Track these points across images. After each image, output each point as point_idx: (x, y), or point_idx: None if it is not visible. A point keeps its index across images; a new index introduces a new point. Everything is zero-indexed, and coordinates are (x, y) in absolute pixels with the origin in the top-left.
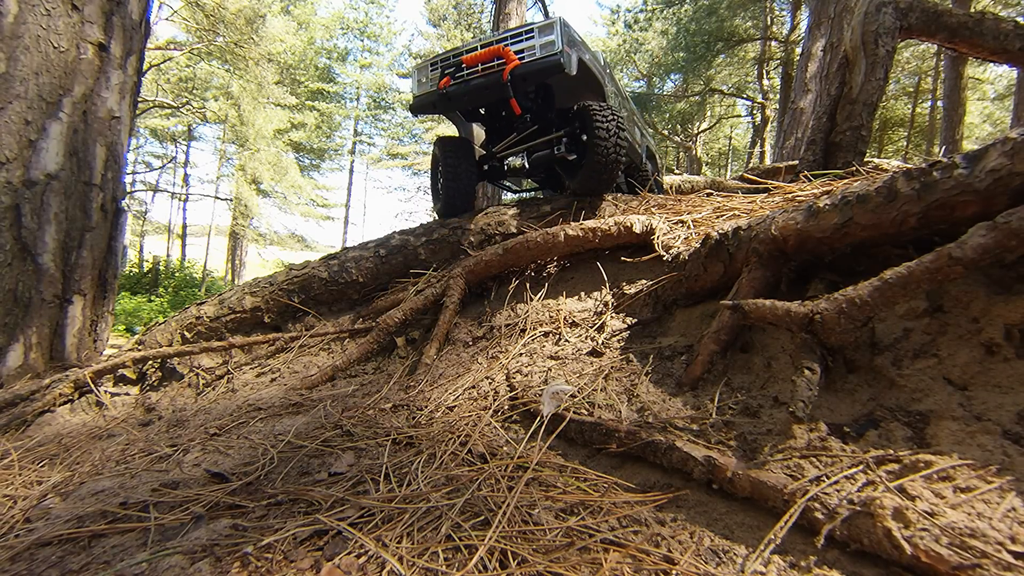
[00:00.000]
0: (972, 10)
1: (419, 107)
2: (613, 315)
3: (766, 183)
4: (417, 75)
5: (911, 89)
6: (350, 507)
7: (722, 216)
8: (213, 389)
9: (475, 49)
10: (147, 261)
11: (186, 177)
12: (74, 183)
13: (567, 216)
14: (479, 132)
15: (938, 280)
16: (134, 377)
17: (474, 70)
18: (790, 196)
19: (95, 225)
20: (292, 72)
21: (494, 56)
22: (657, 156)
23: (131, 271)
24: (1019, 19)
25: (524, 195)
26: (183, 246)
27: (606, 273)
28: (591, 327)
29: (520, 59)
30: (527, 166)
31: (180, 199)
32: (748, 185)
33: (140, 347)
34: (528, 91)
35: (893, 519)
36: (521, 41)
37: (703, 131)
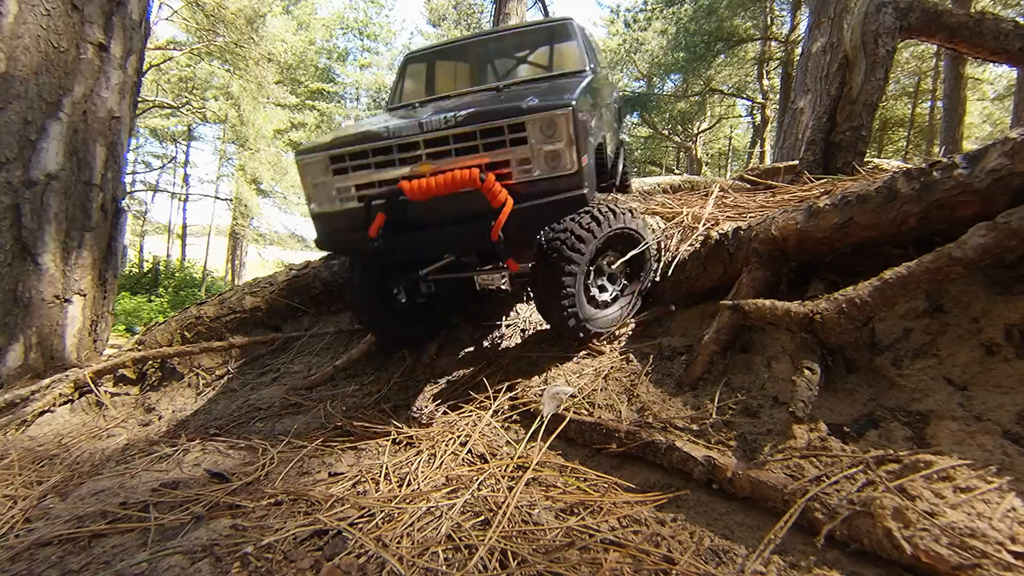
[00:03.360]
0: (972, 10)
1: (329, 245)
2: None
3: (766, 182)
4: (308, 173)
5: (911, 89)
6: (350, 507)
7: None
8: (213, 389)
9: (416, 148)
10: (147, 261)
11: (186, 177)
12: (74, 183)
13: None
14: None
15: (938, 280)
16: (134, 377)
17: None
18: (784, 197)
19: (95, 225)
20: (292, 72)
21: (461, 187)
22: (624, 151)
23: (131, 271)
24: (1019, 19)
25: None
26: (183, 246)
27: None
28: None
29: (513, 190)
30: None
31: (180, 199)
32: (737, 184)
33: (140, 347)
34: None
35: (893, 519)
36: (504, 144)
37: (703, 131)
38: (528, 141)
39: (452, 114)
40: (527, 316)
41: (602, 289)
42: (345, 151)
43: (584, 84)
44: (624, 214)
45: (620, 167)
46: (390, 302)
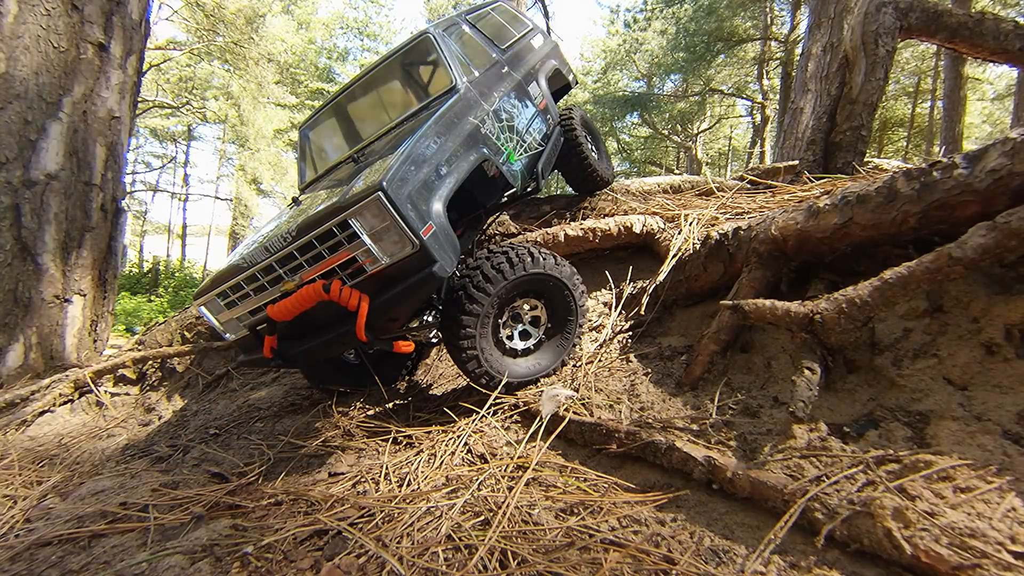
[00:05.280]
0: (972, 10)
1: (250, 364)
2: (613, 315)
3: (766, 182)
4: (210, 311)
5: (911, 89)
6: (350, 507)
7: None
8: (213, 389)
9: (274, 269)
10: (147, 261)
11: (186, 177)
12: (74, 183)
13: (567, 216)
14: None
15: (938, 280)
16: (134, 377)
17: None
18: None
19: (95, 225)
20: (292, 72)
21: (314, 302)
22: (585, 133)
23: (131, 271)
24: (1019, 19)
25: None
26: (183, 246)
27: (606, 273)
28: (591, 327)
29: (369, 284)
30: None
31: (180, 199)
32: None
33: (140, 347)
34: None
35: (893, 519)
36: (342, 244)
37: (703, 131)
38: (358, 236)
39: (288, 229)
40: None
41: (522, 336)
42: (225, 287)
43: (424, 129)
44: (546, 258)
45: (547, 162)
46: (339, 362)
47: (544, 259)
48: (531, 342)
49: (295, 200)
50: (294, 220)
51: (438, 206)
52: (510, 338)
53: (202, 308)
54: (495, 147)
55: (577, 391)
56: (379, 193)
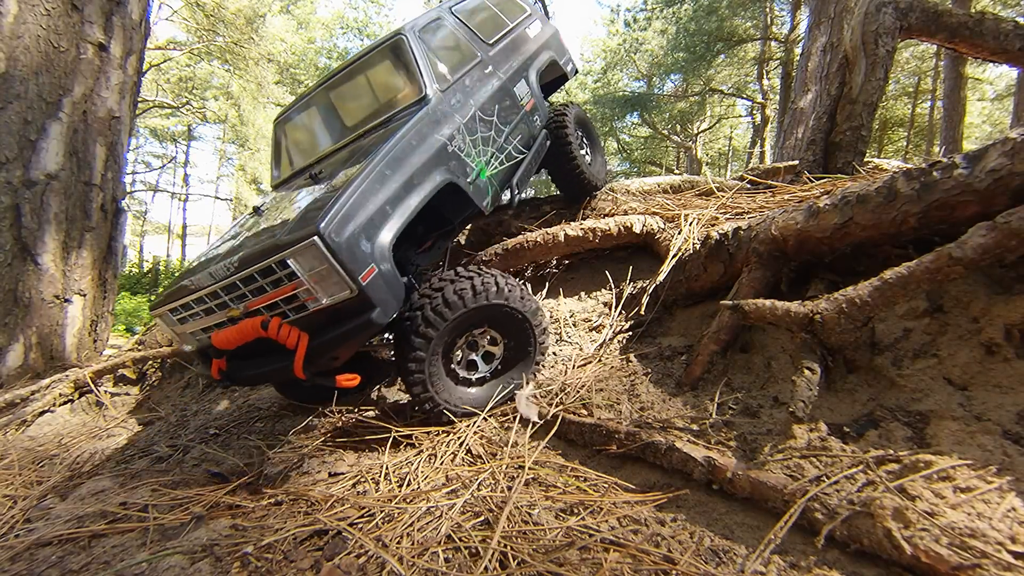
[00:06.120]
0: (972, 10)
1: (207, 379)
2: (613, 315)
3: (766, 182)
4: (164, 324)
5: (911, 89)
6: (350, 507)
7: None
8: (213, 389)
9: (220, 296)
10: (147, 261)
11: (186, 177)
12: (74, 183)
13: (567, 215)
14: None
15: (938, 280)
16: (134, 377)
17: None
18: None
19: (95, 225)
20: (292, 72)
21: (252, 336)
22: (580, 136)
23: (131, 271)
24: (1019, 19)
25: None
26: (183, 246)
27: (606, 273)
28: (591, 327)
29: (310, 322)
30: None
31: (180, 199)
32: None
33: (140, 347)
34: None
35: (893, 519)
36: (283, 280)
37: (703, 131)
38: (297, 275)
39: (230, 260)
40: None
41: (471, 366)
42: (176, 304)
43: (381, 154)
44: (512, 290)
45: (527, 172)
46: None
47: (510, 291)
48: (485, 372)
49: (256, 209)
50: (237, 251)
51: (384, 244)
52: (462, 365)
53: (155, 315)
54: (463, 165)
55: (577, 390)
56: (315, 238)
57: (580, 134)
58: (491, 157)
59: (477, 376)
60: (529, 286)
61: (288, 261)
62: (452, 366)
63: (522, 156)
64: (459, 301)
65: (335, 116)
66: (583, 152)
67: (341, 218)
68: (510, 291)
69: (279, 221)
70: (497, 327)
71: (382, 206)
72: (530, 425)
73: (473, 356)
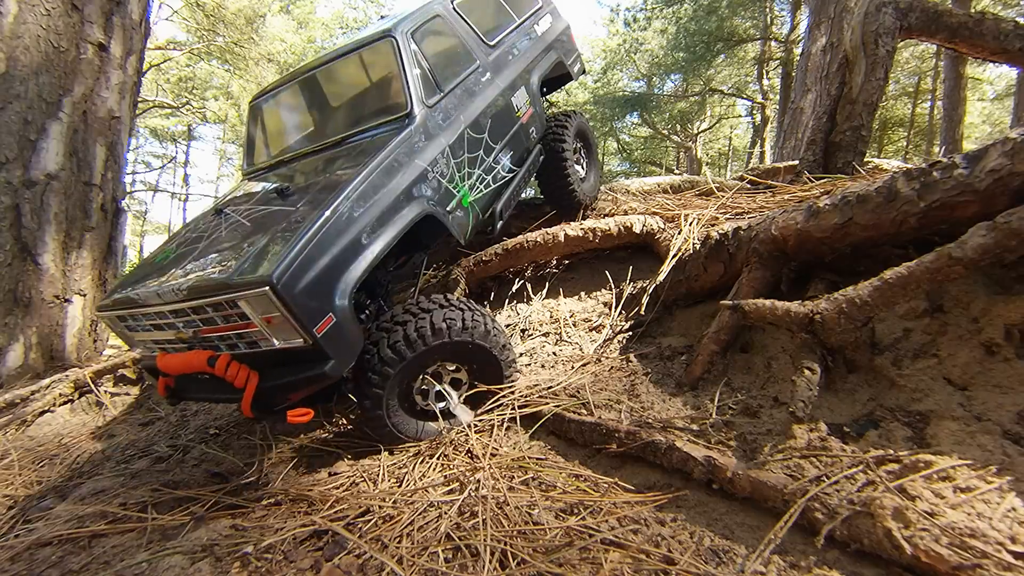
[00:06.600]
0: (972, 10)
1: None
2: (613, 315)
3: (766, 182)
4: (112, 327)
5: (911, 89)
6: (349, 507)
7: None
8: None
9: (167, 316)
10: None
11: (186, 177)
12: (74, 183)
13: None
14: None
15: (938, 280)
16: (134, 377)
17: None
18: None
19: (95, 225)
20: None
21: (198, 369)
22: (580, 146)
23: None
24: (1019, 19)
25: None
26: None
27: (606, 273)
28: (591, 327)
29: (261, 361)
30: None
31: (180, 199)
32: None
33: None
34: None
35: (893, 519)
36: (233, 317)
37: (703, 131)
38: (248, 317)
39: (180, 284)
40: (526, 315)
41: (438, 397)
42: (123, 312)
43: (352, 187)
44: (478, 326)
45: (513, 195)
46: None
47: (476, 326)
48: (448, 405)
49: (219, 211)
50: (189, 272)
51: (346, 290)
52: (423, 397)
53: (101, 317)
54: (443, 194)
55: (577, 390)
56: (266, 288)
57: (579, 146)
58: (476, 180)
59: (439, 408)
60: (529, 286)
61: (239, 303)
62: (412, 400)
63: (511, 175)
64: (419, 340)
65: (314, 109)
66: (578, 168)
67: (298, 266)
68: (476, 326)
69: (238, 243)
70: (462, 361)
71: (345, 249)
72: (539, 422)
73: (435, 388)
